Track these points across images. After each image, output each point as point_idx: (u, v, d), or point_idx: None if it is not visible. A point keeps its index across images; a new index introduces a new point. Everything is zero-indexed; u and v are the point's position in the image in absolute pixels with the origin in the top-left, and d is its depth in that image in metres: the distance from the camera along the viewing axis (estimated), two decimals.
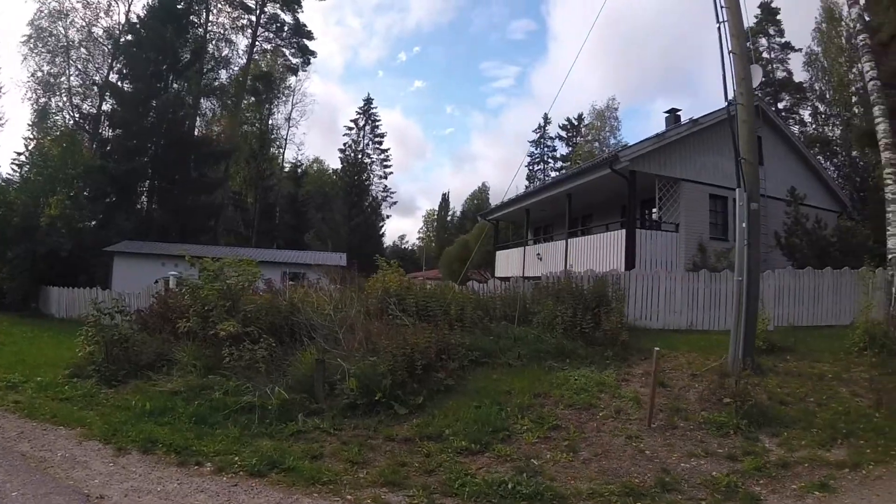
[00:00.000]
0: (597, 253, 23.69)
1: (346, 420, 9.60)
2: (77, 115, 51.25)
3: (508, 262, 34.02)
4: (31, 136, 46.73)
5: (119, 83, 47.93)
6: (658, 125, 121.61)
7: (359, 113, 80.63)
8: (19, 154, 39.79)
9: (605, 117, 67.69)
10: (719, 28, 12.24)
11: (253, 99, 62.95)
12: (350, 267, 23.63)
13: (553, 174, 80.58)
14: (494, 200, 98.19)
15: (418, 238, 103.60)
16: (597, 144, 67.35)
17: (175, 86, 48.90)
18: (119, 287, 29.06)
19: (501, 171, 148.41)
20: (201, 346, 12.40)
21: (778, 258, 21.91)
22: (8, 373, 13.08)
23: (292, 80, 67.23)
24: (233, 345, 11.37)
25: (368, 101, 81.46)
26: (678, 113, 30.70)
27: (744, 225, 11.88)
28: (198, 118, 52.67)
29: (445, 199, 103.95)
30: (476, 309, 15.27)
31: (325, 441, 8.86)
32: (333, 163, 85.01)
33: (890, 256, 15.33)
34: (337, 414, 9.73)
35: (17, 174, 37.98)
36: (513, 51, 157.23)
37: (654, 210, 23.70)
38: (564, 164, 78.02)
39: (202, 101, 53.42)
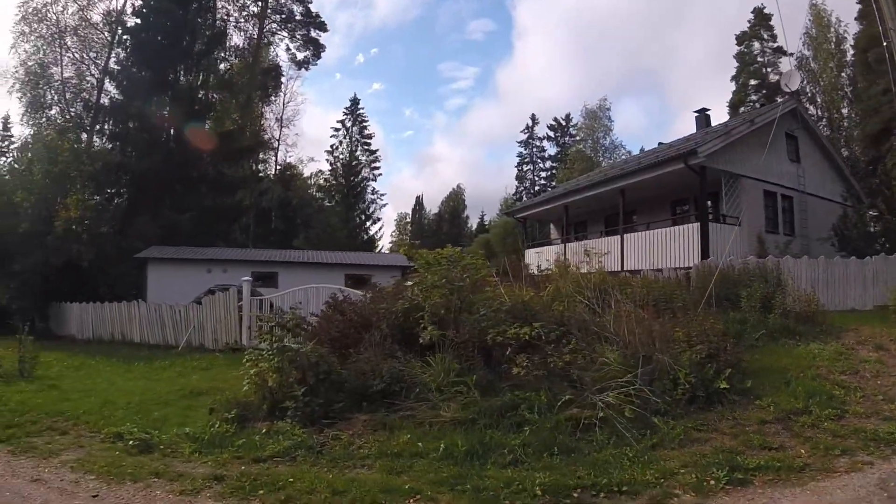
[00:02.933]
0: (662, 247, 22.62)
1: (694, 415, 8.51)
2: (76, 109, 46.24)
3: (542, 261, 31.27)
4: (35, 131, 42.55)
5: (125, 72, 42.11)
6: (629, 124, 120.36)
7: (346, 113, 75.77)
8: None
9: (598, 117, 63.71)
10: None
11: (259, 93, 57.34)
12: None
13: (543, 174, 78.32)
14: (471, 202, 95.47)
15: (391, 242, 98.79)
16: (589, 143, 63.69)
17: (189, 76, 43.36)
18: (155, 299, 25.22)
19: (467, 172, 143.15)
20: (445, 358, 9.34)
21: (826, 250, 22.18)
22: (109, 422, 9.45)
23: (284, 77, 62.18)
24: (521, 351, 9.30)
25: (355, 101, 76.66)
26: (707, 113, 31.98)
27: None
28: (212, 113, 46.95)
29: (419, 202, 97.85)
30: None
31: (717, 438, 7.81)
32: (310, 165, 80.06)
33: None
34: (681, 410, 8.52)
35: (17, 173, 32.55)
36: (472, 51, 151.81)
37: (712, 204, 23.47)
38: (554, 165, 75.28)
39: (215, 94, 48.11)
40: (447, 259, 10.92)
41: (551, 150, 79.92)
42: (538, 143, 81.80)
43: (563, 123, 78.21)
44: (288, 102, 63.67)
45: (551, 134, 79.92)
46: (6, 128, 69.63)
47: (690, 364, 8.98)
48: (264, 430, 8.35)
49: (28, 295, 27.16)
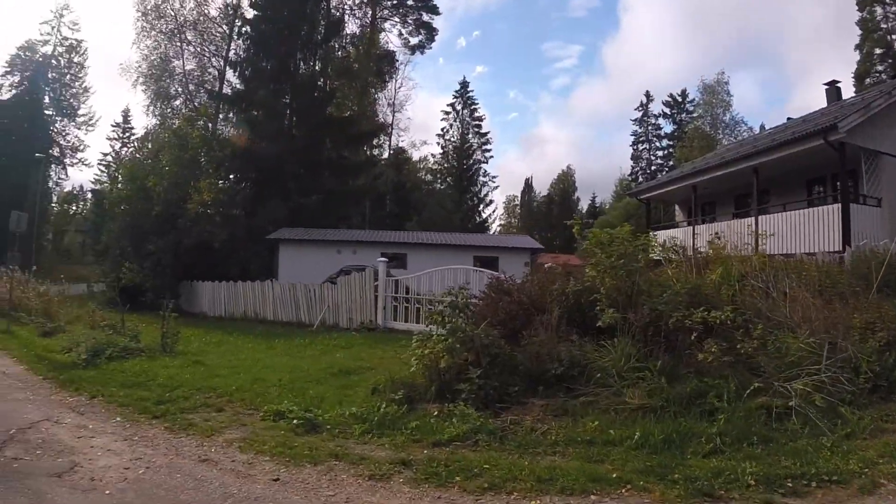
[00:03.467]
0: (797, 230, 20.92)
1: (877, 405, 7.84)
2: (200, 100, 48.37)
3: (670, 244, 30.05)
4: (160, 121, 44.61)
5: (248, 62, 43.16)
6: (745, 98, 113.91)
7: (455, 97, 75.16)
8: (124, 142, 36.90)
9: (716, 92, 60.11)
10: None
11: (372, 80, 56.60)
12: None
13: (659, 153, 75.63)
14: (581, 183, 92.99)
15: (499, 224, 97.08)
16: (708, 120, 60.54)
17: (308, 65, 43.90)
18: (286, 278, 25.70)
19: (575, 152, 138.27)
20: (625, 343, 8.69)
21: None
22: (265, 399, 9.19)
23: (398, 63, 61.85)
24: (704, 337, 8.53)
25: (464, 84, 75.92)
26: (838, 85, 29.00)
27: None
28: (332, 100, 47.02)
29: (528, 185, 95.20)
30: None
31: None
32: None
33: None
34: (865, 400, 7.82)
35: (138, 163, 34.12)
36: (576, 29, 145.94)
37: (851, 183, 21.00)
38: (670, 143, 72.10)
39: (333, 82, 48.18)
40: (622, 239, 10.18)
41: (667, 127, 76.62)
42: (653, 121, 78.52)
43: (679, 100, 74.50)
44: (399, 87, 63.51)
45: (667, 111, 76.20)
46: (126, 120, 74.34)
47: (872, 352, 8.32)
48: (436, 413, 7.88)
49: (161, 274, 27.82)
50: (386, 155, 62.99)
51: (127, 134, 76.24)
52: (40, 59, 60.74)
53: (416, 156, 71.35)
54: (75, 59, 63.58)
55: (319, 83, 44.45)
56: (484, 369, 8.28)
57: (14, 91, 58.61)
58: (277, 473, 6.17)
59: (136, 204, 29.54)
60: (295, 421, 7.84)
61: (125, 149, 74.20)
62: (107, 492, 5.64)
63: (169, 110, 50.15)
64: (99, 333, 14.64)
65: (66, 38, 62.47)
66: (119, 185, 33.65)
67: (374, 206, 54.95)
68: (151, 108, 50.90)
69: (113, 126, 76.73)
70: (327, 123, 42.41)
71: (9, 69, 59.20)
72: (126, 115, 76.25)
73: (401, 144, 66.72)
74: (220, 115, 44.49)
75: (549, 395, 8.24)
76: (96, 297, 30.04)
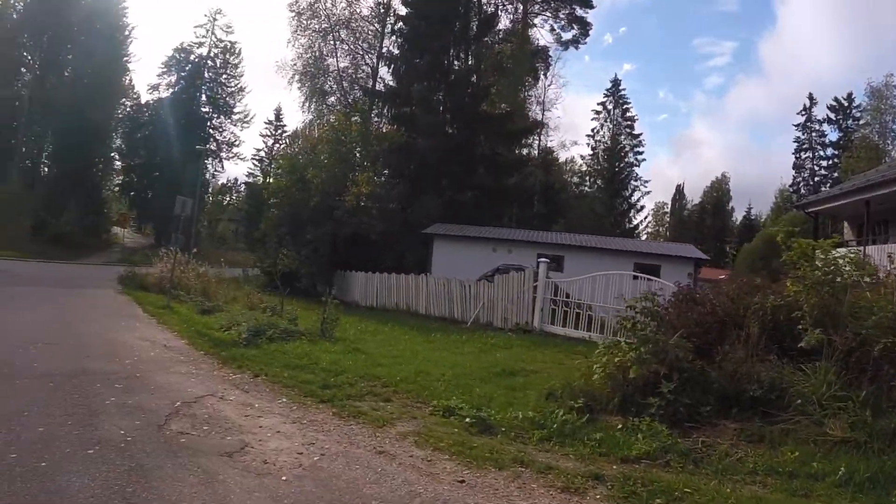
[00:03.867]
0: None
1: None
2: (354, 96, 50.23)
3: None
4: (316, 118, 46.50)
5: (401, 59, 43.81)
6: None
7: (606, 96, 73.06)
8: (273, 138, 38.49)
9: (885, 96, 55.64)
10: None
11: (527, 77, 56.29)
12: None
13: (823, 163, 68.82)
14: (736, 192, 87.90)
15: (647, 232, 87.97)
16: (876, 127, 56.35)
17: (461, 61, 44.28)
18: (439, 273, 25.70)
19: (729, 157, 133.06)
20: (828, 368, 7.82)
21: None
22: (433, 393, 9.07)
23: (551, 59, 61.05)
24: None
25: (616, 83, 73.48)
26: None
27: None
28: (487, 96, 46.39)
29: (679, 191, 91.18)
30: None
31: None
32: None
33: None
34: None
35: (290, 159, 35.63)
36: (728, 24, 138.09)
37: None
38: (835, 153, 66.02)
39: (487, 78, 47.79)
40: (825, 252, 9.26)
41: (832, 135, 69.33)
42: (817, 127, 70.82)
43: (845, 104, 67.08)
44: (549, 85, 62.54)
45: (832, 116, 68.69)
46: (278, 118, 79.37)
47: None
48: (619, 426, 7.45)
49: (316, 262, 28.83)
50: (535, 154, 62.13)
51: (279, 131, 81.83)
52: (196, 60, 65.34)
53: (562, 156, 70.09)
54: (230, 60, 68.07)
55: (473, 79, 44.46)
56: (676, 384, 7.76)
57: (172, 90, 63.80)
58: (461, 474, 5.92)
59: (295, 194, 30.76)
60: (467, 419, 7.64)
61: (277, 144, 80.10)
62: (283, 478, 5.52)
63: (324, 106, 52.26)
64: (258, 315, 15.26)
65: (220, 41, 66.82)
66: (278, 176, 35.58)
67: (521, 206, 54.13)
68: (307, 104, 53.54)
69: (266, 123, 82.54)
70: (481, 120, 42.17)
71: (166, 70, 64.34)
72: (278, 113, 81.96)
73: (549, 144, 65.79)
74: (374, 111, 45.29)
75: (744, 418, 7.64)
76: (251, 280, 31.38)
